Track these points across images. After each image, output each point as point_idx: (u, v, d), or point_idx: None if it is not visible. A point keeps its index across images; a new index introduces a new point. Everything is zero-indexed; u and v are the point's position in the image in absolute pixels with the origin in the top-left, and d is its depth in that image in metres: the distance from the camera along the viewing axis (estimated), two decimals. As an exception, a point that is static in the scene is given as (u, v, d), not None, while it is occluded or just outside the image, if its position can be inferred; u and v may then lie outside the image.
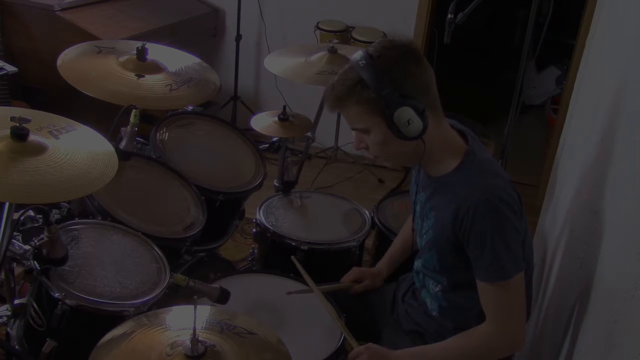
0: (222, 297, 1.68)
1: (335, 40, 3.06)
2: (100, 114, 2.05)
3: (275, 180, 2.44)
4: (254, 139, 2.48)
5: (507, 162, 2.68)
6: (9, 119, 1.39)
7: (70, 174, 1.40)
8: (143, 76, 2.04)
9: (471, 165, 1.52)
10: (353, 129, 1.56)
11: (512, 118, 2.60)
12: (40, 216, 1.55)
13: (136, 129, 1.98)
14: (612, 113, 1.66)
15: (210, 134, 2.44)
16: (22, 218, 1.60)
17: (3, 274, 1.66)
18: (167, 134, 2.29)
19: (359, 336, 1.65)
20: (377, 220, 2.25)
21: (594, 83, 2.28)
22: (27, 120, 1.40)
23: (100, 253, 1.72)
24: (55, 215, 1.88)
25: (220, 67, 4.14)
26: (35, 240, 1.54)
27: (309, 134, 2.44)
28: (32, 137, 1.41)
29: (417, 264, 1.73)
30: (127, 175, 2.04)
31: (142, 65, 2.07)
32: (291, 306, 1.79)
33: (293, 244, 2.08)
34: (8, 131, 1.39)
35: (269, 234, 2.14)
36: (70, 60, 2.03)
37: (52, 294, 1.54)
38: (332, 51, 2.35)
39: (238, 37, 4.07)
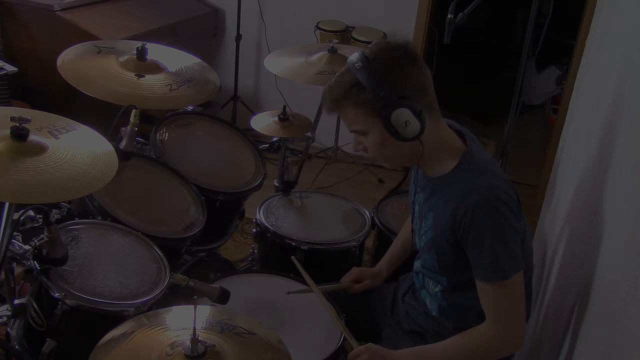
0: (222, 297, 1.68)
1: (335, 41, 3.06)
2: (100, 114, 2.05)
3: (275, 180, 2.43)
4: (254, 139, 2.48)
5: (507, 162, 2.68)
6: (9, 119, 1.39)
7: (70, 174, 1.40)
8: (143, 76, 2.04)
9: (469, 166, 1.52)
10: (351, 131, 1.56)
11: (512, 118, 2.61)
12: (40, 216, 1.54)
13: (136, 129, 1.98)
14: (612, 113, 1.66)
15: (210, 134, 2.44)
16: (22, 218, 1.59)
17: (3, 274, 1.66)
18: (167, 134, 2.29)
19: (359, 336, 1.65)
20: (377, 220, 2.25)
21: (594, 83, 2.28)
22: (27, 120, 1.40)
23: (100, 253, 1.72)
24: (55, 215, 1.87)
25: (220, 67, 4.14)
26: (35, 240, 1.53)
27: (309, 134, 2.44)
28: (32, 137, 1.41)
29: (417, 264, 1.73)
30: (127, 175, 2.04)
31: (142, 65, 2.07)
32: (291, 306, 1.79)
33: (293, 244, 2.08)
34: (8, 131, 1.39)
35: (269, 234, 2.14)
36: (70, 60, 2.03)
37: (52, 294, 1.54)
38: (332, 51, 2.35)
39: (238, 37, 4.07)
